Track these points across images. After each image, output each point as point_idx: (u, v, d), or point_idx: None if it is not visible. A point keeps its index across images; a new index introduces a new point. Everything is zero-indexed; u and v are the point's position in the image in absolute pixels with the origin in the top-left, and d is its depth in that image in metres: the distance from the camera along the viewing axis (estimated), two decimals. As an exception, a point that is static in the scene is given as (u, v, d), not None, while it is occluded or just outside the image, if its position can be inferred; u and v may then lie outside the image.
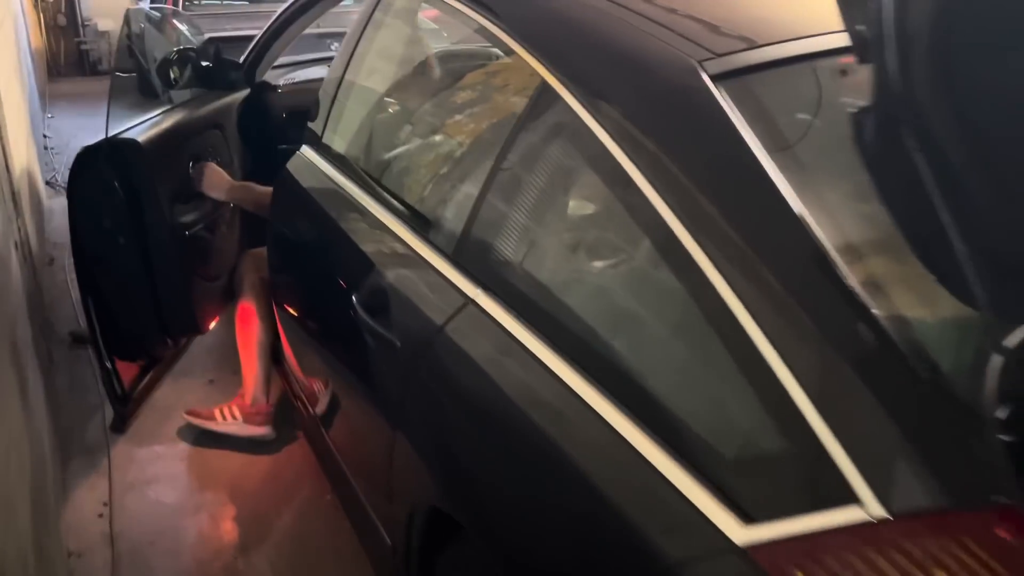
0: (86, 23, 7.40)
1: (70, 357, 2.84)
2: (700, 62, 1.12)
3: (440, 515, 1.28)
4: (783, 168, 0.98)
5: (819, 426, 0.80)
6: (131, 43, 2.29)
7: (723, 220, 0.98)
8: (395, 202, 1.60)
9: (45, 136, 5.47)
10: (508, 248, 1.24)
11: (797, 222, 0.91)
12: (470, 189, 1.36)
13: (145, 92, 2.28)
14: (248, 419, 2.30)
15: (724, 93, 1.08)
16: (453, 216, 1.39)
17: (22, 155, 3.25)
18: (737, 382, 0.90)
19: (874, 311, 0.83)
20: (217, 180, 2.22)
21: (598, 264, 1.15)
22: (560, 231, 1.22)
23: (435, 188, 1.52)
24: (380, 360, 1.48)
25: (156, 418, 2.48)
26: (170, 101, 2.32)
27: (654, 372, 0.99)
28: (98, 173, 1.91)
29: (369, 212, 1.62)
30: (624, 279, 1.12)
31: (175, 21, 2.98)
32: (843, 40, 1.24)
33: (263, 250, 2.27)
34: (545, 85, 1.25)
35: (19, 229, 2.52)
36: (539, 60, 1.28)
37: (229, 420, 2.31)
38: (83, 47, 7.49)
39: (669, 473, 0.91)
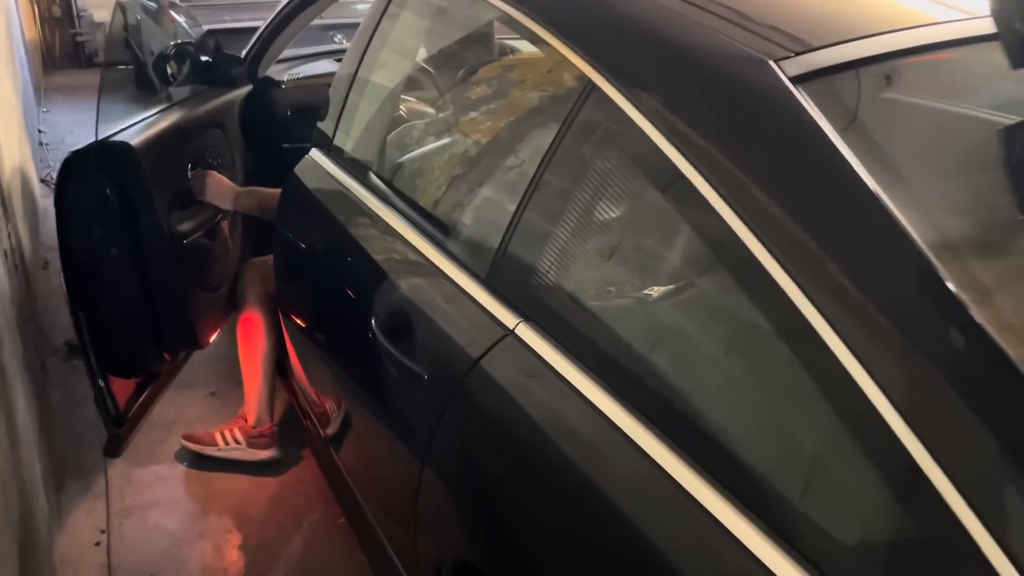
0: (81, 14, 7.21)
1: (65, 369, 2.70)
2: (776, 61, 0.98)
3: (473, 570, 1.14)
4: (889, 189, 0.84)
5: (960, 508, 0.65)
6: (128, 34, 2.16)
7: (817, 244, 0.84)
8: (415, 213, 1.45)
9: (40, 131, 5.30)
10: (552, 271, 1.10)
11: (924, 261, 0.76)
12: (505, 202, 1.21)
13: (142, 85, 2.14)
14: (251, 442, 2.16)
15: (806, 96, 0.94)
16: (485, 232, 1.25)
17: (14, 153, 3.10)
18: (843, 440, 0.76)
19: (1011, 356, 0.69)
20: (220, 188, 2.07)
21: (664, 290, 1.00)
22: (612, 251, 1.08)
23: (462, 199, 1.37)
24: (402, 389, 1.34)
25: (155, 436, 2.34)
26: (169, 99, 2.18)
27: (737, 425, 0.85)
28: (88, 179, 1.76)
29: (386, 223, 1.47)
30: (698, 307, 0.97)
31: (172, 12, 2.84)
32: (933, 35, 1.12)
33: (268, 258, 2.13)
34: (592, 86, 1.10)
35: (9, 235, 2.37)
36: (584, 58, 1.13)
37: (231, 444, 2.16)
38: (79, 39, 7.30)
39: (761, 553, 0.77)
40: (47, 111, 5.95)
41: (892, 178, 0.87)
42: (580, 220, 1.08)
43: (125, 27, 2.16)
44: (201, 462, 2.24)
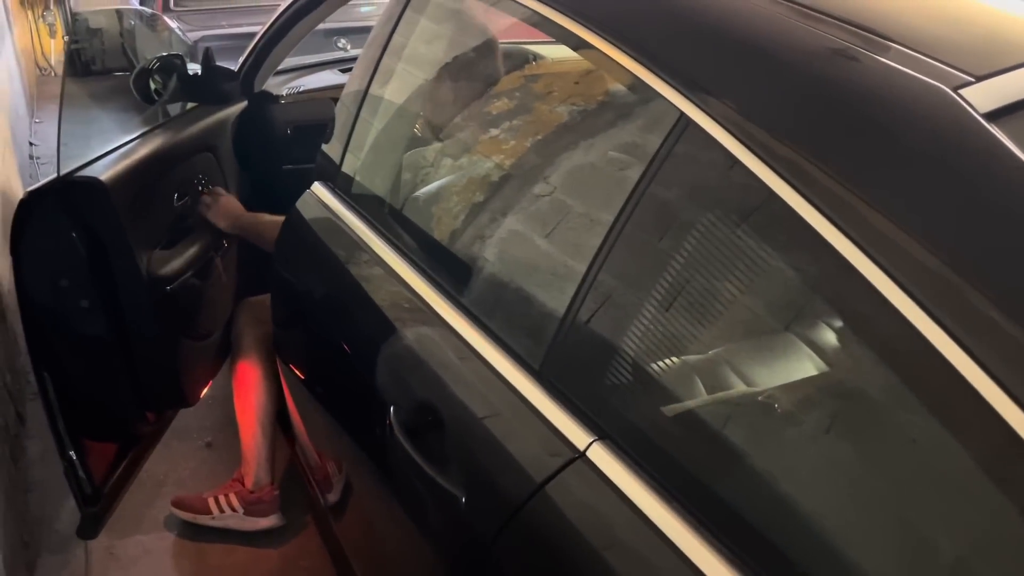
0: (76, 20, 6.97)
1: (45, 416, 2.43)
2: (955, 89, 0.70)
3: None
4: None
5: None
6: (124, 40, 1.96)
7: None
8: (441, 270, 1.17)
9: (31, 144, 5.04)
10: (639, 367, 0.82)
11: None
12: (567, 269, 0.94)
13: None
14: (249, 509, 1.90)
15: (1007, 137, 0.66)
16: (538, 306, 0.97)
17: (-2, 167, 2.83)
18: None
19: None
20: (227, 210, 1.87)
21: (800, 396, 0.73)
22: (727, 339, 0.80)
23: (505, 257, 1.10)
24: (426, 495, 1.07)
25: (143, 497, 2.08)
26: (166, 115, 1.94)
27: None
28: (50, 223, 1.49)
29: (405, 282, 1.19)
30: (855, 424, 0.70)
31: (167, 19, 2.60)
32: None
33: (266, 298, 1.87)
34: (687, 123, 0.82)
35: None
36: (670, 82, 0.85)
37: (227, 512, 1.90)
38: (74, 46, 7.06)
39: None
40: (40, 122, 5.69)
41: None
42: (665, 298, 0.80)
43: (122, 33, 1.96)
44: (193, 530, 1.98)
